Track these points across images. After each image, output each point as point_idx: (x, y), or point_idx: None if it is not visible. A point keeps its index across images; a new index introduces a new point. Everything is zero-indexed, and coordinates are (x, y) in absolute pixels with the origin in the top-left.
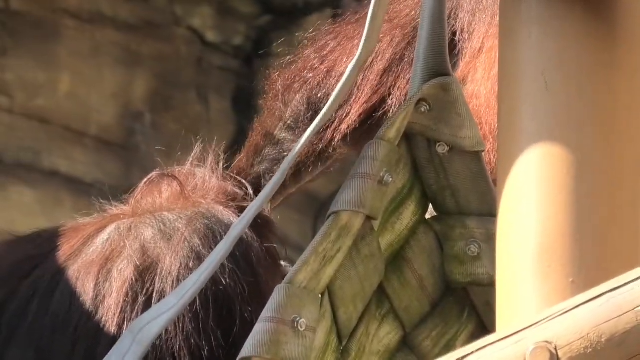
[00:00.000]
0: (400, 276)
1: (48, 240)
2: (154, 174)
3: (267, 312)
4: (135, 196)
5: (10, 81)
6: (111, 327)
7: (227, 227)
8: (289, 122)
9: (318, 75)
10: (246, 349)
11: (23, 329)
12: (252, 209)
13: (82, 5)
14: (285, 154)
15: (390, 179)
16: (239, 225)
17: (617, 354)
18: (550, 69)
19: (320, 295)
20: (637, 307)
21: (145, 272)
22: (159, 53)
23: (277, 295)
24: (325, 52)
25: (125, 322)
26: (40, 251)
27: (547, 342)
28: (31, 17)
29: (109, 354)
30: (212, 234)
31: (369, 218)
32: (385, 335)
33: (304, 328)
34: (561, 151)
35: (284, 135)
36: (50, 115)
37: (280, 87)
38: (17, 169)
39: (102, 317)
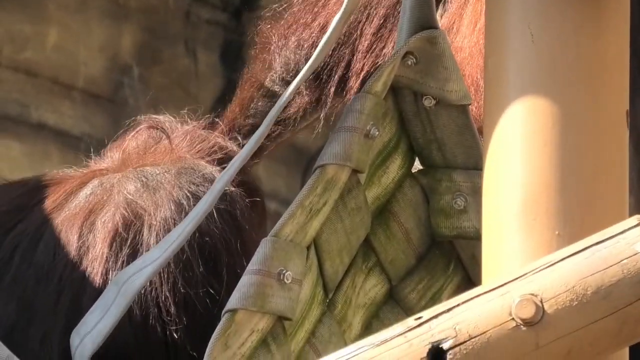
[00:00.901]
0: (386, 229)
1: (32, 191)
2: (142, 125)
3: (253, 264)
4: (122, 148)
5: None
6: (95, 278)
7: (210, 182)
8: (282, 75)
9: (310, 30)
10: (232, 302)
11: (6, 281)
12: (236, 162)
13: None
14: None
15: (377, 133)
16: (222, 178)
17: (602, 307)
18: (537, 23)
19: (306, 248)
20: (623, 260)
21: (128, 226)
22: (146, 6)
23: (263, 248)
24: (317, 8)
25: (109, 274)
26: (24, 202)
27: (532, 294)
28: None
29: (93, 305)
30: (196, 189)
31: (355, 171)
32: (371, 288)
33: (289, 280)
34: (547, 105)
35: (276, 88)
36: (38, 68)
37: (272, 39)
38: (4, 122)
39: (86, 269)
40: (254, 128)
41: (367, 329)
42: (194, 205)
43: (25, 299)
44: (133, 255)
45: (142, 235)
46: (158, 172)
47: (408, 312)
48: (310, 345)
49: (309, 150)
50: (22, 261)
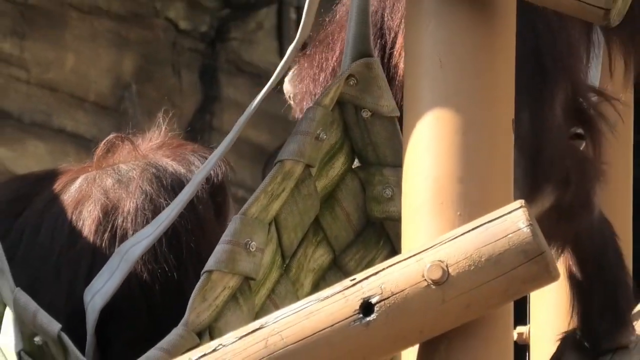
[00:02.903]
0: (332, 212)
1: (34, 183)
2: (111, 136)
3: (225, 236)
4: (98, 153)
5: (28, 59)
6: (86, 255)
7: (170, 174)
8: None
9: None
10: (209, 264)
11: (17, 259)
12: (215, 156)
13: (83, 0)
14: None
15: (325, 136)
16: (202, 171)
17: (493, 271)
18: (444, 51)
19: (268, 224)
20: (509, 234)
21: (109, 213)
22: (143, 38)
23: (234, 223)
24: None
25: (96, 252)
26: (28, 192)
27: (440, 261)
28: (43, 9)
29: (101, 270)
30: (159, 180)
31: (307, 166)
32: (319, 257)
33: (254, 249)
34: (452, 115)
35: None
36: (59, 85)
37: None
38: (33, 128)
39: (78, 248)
40: None
41: (315, 289)
42: (160, 193)
43: (33, 273)
44: (114, 237)
45: (120, 221)
46: (129, 168)
47: (347, 275)
48: (270, 300)
49: (269, 149)
50: (28, 242)
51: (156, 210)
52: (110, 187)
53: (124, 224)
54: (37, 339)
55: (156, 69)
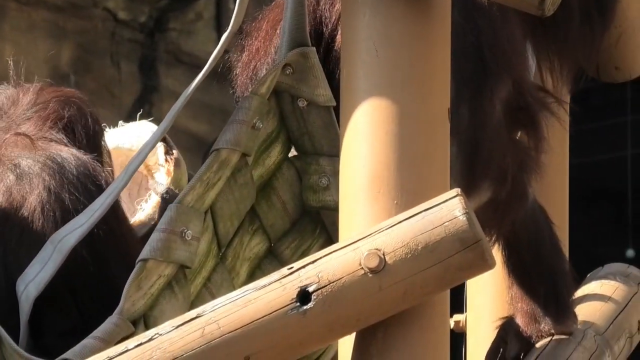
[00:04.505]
0: (268, 200)
1: None
2: (9, 134)
3: (161, 224)
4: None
5: None
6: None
7: (70, 163)
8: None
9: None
10: (144, 253)
11: None
12: (149, 144)
13: None
14: None
15: (261, 125)
16: (136, 159)
17: (430, 258)
18: (380, 40)
19: (204, 213)
20: (445, 222)
21: (14, 209)
22: (81, 28)
23: (169, 212)
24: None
25: (7, 245)
26: None
27: (377, 249)
28: None
29: (33, 260)
30: (61, 170)
31: (244, 155)
32: (255, 245)
33: (190, 238)
34: (387, 103)
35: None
36: None
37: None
38: None
39: None
40: None
41: (251, 277)
42: (62, 184)
43: None
44: (20, 232)
45: (25, 216)
46: (31, 163)
47: (283, 264)
48: (206, 288)
49: (209, 139)
50: None
51: (62, 205)
52: (14, 183)
53: (29, 219)
54: None
55: (95, 60)
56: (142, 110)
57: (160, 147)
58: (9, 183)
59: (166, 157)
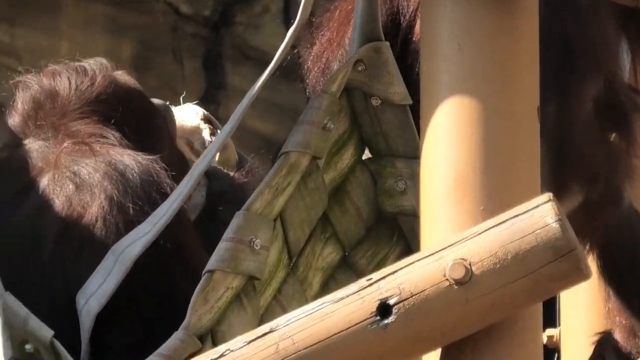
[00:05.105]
0: (341, 206)
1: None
2: (67, 143)
3: (227, 233)
4: (58, 155)
5: (19, 47)
6: (56, 263)
7: (132, 170)
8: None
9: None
10: (210, 264)
11: None
12: (213, 148)
13: None
14: None
15: (333, 126)
16: (201, 163)
17: (519, 269)
18: (462, 33)
19: (273, 221)
20: (537, 230)
21: (74, 220)
22: (141, 23)
23: (236, 220)
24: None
25: (61, 264)
26: None
27: (462, 259)
28: None
29: (94, 271)
30: (124, 178)
31: (314, 158)
32: (328, 254)
33: (259, 247)
34: (471, 101)
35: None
36: None
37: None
38: None
39: (47, 255)
40: None
41: (325, 289)
42: (125, 193)
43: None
44: (80, 247)
45: (86, 228)
46: (90, 170)
47: (359, 274)
48: (276, 301)
49: (277, 140)
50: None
51: (124, 216)
52: (73, 193)
53: (90, 232)
54: (28, 346)
55: (156, 56)
56: (207, 110)
57: (205, 129)
58: (68, 192)
59: (212, 139)
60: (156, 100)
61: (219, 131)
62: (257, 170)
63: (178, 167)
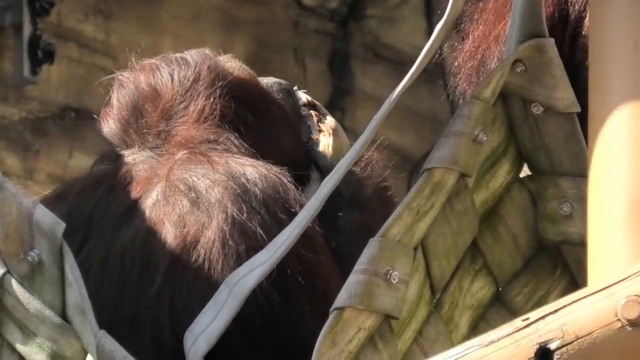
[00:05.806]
0: (493, 232)
1: (96, 194)
2: (181, 154)
3: (360, 264)
4: (171, 167)
5: (115, 44)
6: (165, 297)
7: (255, 186)
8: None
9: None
10: (340, 300)
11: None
12: (343, 164)
13: None
14: None
15: (485, 138)
16: (328, 182)
17: None
18: (639, 31)
19: (413, 249)
20: None
21: (187, 245)
22: (257, 17)
23: (370, 248)
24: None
25: (170, 296)
26: (91, 203)
27: (638, 295)
28: None
29: (206, 306)
30: (246, 195)
31: (463, 175)
32: (478, 290)
33: (396, 280)
34: None
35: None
36: None
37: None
38: None
39: (157, 287)
40: None
41: (474, 330)
42: (246, 212)
43: (107, 314)
44: (197, 272)
45: (202, 253)
46: (208, 185)
47: (514, 314)
48: (417, 344)
49: (416, 154)
50: (96, 276)
51: (247, 240)
52: (188, 211)
53: (207, 256)
54: None
55: (274, 56)
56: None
57: (310, 116)
58: (182, 211)
59: (319, 127)
60: (272, 80)
61: (326, 118)
62: (375, 162)
63: (303, 163)
